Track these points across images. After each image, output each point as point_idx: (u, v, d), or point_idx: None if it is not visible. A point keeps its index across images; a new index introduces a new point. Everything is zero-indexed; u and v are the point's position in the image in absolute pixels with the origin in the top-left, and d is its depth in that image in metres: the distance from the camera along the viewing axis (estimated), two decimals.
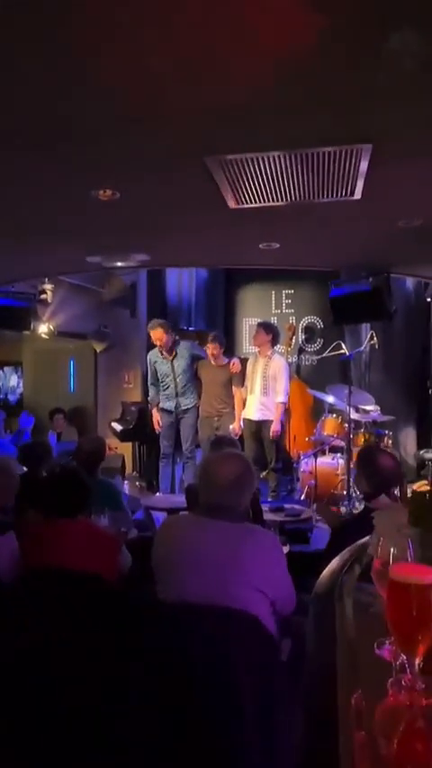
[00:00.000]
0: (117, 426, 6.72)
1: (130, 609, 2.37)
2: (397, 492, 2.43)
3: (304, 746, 0.91)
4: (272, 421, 5.49)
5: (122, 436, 6.58)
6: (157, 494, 5.80)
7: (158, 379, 5.73)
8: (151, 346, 5.95)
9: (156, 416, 5.72)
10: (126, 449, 7.11)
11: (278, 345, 6.55)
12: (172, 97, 2.05)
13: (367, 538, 1.62)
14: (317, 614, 1.28)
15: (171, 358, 5.70)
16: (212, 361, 5.78)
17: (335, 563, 1.50)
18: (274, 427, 5.47)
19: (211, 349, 5.73)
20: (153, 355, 5.82)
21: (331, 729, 0.84)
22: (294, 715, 1.50)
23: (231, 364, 5.71)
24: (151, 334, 5.64)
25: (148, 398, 5.85)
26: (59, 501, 2.38)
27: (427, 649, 0.86)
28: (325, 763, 0.80)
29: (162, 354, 5.71)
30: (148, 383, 5.85)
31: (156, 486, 6.09)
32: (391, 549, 0.99)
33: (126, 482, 6.00)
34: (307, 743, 0.91)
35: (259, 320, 8.16)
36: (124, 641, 2.01)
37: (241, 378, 5.71)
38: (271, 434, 5.47)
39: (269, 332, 5.65)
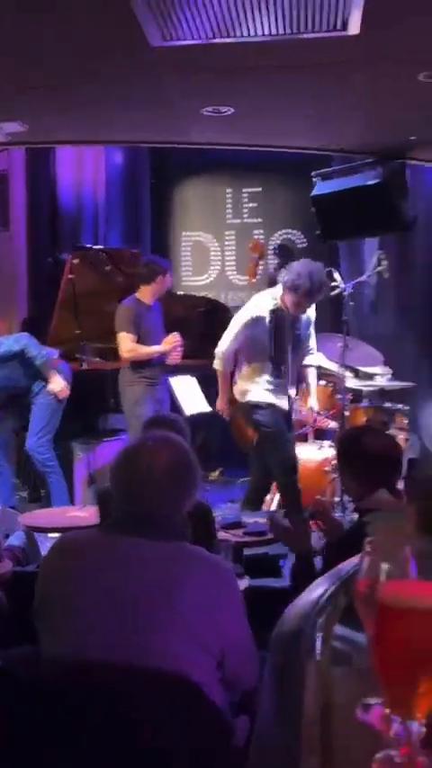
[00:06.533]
0: None
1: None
2: (401, 485, 2.53)
3: None
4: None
5: None
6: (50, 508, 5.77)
7: None
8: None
9: None
10: None
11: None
12: None
13: (357, 557, 1.67)
14: (276, 669, 1.31)
15: None
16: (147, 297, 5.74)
17: (305, 596, 1.53)
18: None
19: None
20: None
21: None
22: None
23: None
24: None
25: None
26: None
27: (430, 708, 0.89)
28: None
29: None
30: None
31: (44, 495, 6.07)
32: (384, 565, 1.01)
33: None
34: None
35: (207, 234, 8.32)
36: None
37: None
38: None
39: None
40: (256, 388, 5.18)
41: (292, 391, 5.38)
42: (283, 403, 5.18)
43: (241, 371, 5.30)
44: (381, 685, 0.93)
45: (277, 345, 5.11)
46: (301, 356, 5.47)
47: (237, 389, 5.35)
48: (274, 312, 5.06)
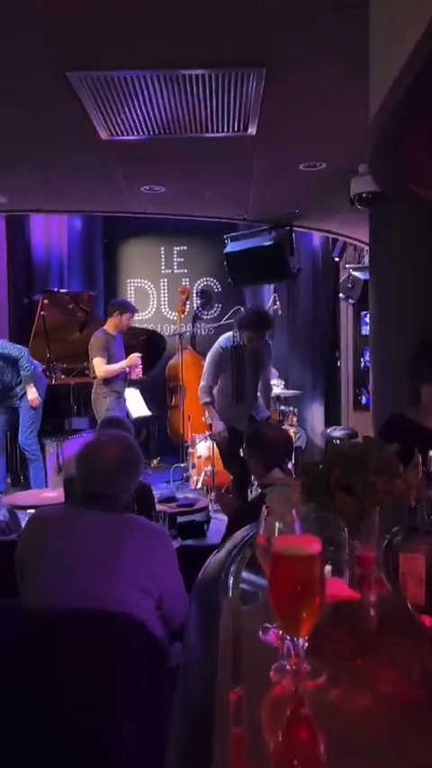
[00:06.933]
0: None
1: None
2: (290, 466, 2.54)
3: (179, 750, 0.93)
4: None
5: None
6: (27, 490, 5.62)
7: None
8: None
9: None
10: None
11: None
12: None
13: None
14: (200, 604, 1.31)
15: None
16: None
17: (222, 549, 1.54)
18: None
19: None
20: None
21: (206, 732, 0.86)
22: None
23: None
24: None
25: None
26: None
27: (311, 628, 0.90)
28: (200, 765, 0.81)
29: None
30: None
31: (25, 481, 5.91)
32: (277, 524, 1.02)
33: None
34: (183, 746, 0.93)
35: (146, 281, 8.30)
36: None
37: None
38: None
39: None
40: (221, 412, 4.78)
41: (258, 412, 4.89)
42: (240, 425, 4.65)
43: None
44: (275, 614, 0.94)
45: (238, 376, 4.72)
46: (266, 386, 5.01)
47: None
48: (234, 347, 4.70)
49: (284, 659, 0.95)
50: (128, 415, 5.98)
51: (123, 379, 5.60)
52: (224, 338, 4.90)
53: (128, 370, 5.52)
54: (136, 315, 7.77)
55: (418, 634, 1.12)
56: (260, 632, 1.08)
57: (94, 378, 5.47)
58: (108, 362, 5.37)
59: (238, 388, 4.76)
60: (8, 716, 1.78)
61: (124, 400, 5.70)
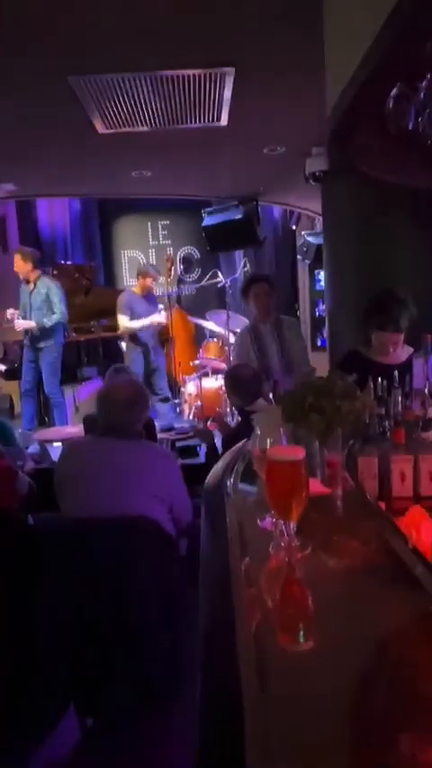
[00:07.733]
0: (0, 366, 6.37)
1: (31, 528, 2.36)
2: (270, 395, 2.60)
3: (205, 610, 1.01)
4: None
5: (8, 375, 6.27)
6: (52, 427, 5.63)
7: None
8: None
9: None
10: (13, 388, 6.79)
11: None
12: (34, 16, 1.84)
13: (244, 441, 1.74)
14: (208, 504, 1.38)
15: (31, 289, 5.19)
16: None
17: (220, 463, 1.60)
18: None
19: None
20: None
21: (227, 592, 0.94)
22: (193, 598, 1.61)
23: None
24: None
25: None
26: None
27: (300, 515, 0.98)
28: (223, 620, 0.90)
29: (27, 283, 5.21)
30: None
31: (50, 421, 5.92)
32: (268, 439, 1.09)
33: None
34: (207, 607, 1.01)
35: (137, 252, 8.12)
36: (28, 558, 2.00)
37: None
38: None
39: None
40: None
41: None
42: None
43: None
44: (271, 505, 0.99)
45: (261, 355, 3.75)
46: (297, 368, 3.80)
47: None
48: (250, 330, 3.74)
49: (278, 538, 1.02)
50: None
51: (151, 334, 5.24)
52: (244, 325, 4.26)
53: (153, 327, 5.17)
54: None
55: (375, 515, 1.21)
56: (258, 520, 1.14)
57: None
58: (132, 319, 5.06)
59: (264, 366, 3.78)
60: (57, 596, 1.88)
61: (152, 353, 5.29)
